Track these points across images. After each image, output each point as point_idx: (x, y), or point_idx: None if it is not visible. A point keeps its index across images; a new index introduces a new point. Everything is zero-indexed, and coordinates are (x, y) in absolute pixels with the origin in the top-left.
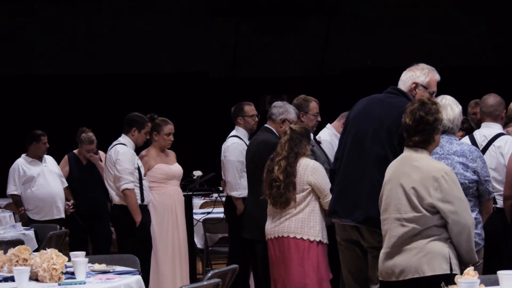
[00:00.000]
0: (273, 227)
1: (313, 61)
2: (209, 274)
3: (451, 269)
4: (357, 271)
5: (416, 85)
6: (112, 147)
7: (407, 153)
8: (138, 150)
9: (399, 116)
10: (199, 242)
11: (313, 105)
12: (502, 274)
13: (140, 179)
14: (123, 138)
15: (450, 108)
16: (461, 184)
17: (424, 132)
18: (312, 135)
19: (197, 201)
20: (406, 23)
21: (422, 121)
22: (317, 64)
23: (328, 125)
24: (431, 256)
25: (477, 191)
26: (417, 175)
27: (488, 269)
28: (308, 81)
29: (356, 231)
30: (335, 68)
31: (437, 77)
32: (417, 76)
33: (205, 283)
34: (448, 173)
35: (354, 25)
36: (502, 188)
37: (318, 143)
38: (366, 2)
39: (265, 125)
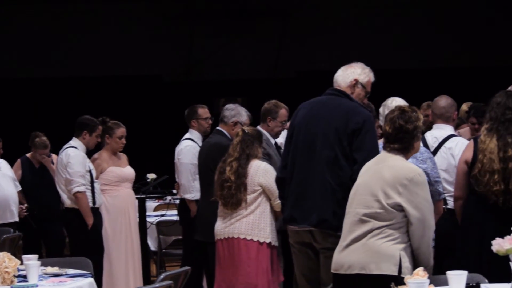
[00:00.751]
0: (223, 228)
1: (266, 63)
2: (162, 276)
3: (400, 272)
4: (310, 272)
5: (356, 82)
6: (63, 150)
7: (383, 154)
8: (90, 153)
9: (346, 116)
10: (152, 245)
11: (283, 112)
12: (451, 274)
13: (92, 182)
14: (74, 141)
15: None
16: None
17: (403, 140)
18: (274, 140)
19: (151, 204)
20: (359, 26)
21: (402, 130)
22: (270, 67)
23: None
24: (381, 256)
25: None
26: (389, 174)
27: (439, 269)
28: (262, 84)
29: (308, 233)
30: (288, 70)
31: (373, 78)
32: (358, 73)
33: (157, 285)
34: (420, 174)
35: (307, 28)
36: (452, 189)
37: (279, 148)
38: (319, 5)
39: (217, 127)
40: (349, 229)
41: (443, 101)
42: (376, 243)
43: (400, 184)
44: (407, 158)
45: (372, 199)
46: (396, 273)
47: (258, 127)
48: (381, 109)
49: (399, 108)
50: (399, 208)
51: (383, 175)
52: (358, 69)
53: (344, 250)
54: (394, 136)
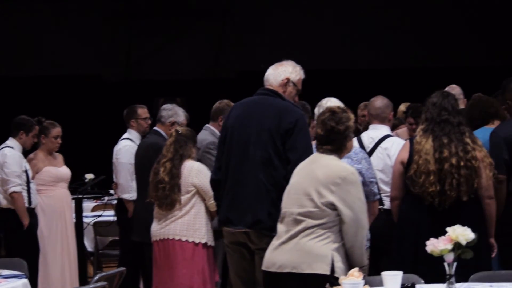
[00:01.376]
0: (159, 229)
1: (206, 63)
2: (96, 277)
3: (332, 272)
4: (245, 273)
5: (288, 80)
6: None
7: (316, 155)
8: (26, 153)
9: (278, 116)
10: (89, 245)
11: None
12: (386, 275)
13: (28, 182)
14: (11, 141)
15: None
16: None
17: (335, 141)
18: None
19: (88, 204)
20: (299, 26)
21: (333, 131)
22: (210, 67)
23: (207, 125)
24: (313, 256)
25: None
26: (322, 173)
27: (375, 270)
28: (202, 84)
29: (244, 234)
30: (228, 70)
31: (303, 76)
32: (290, 72)
33: (91, 286)
34: (353, 173)
35: (247, 28)
36: (389, 190)
37: None
38: (259, 5)
39: (154, 127)
40: (282, 229)
41: (379, 101)
42: (308, 243)
43: (333, 183)
44: (340, 158)
45: (305, 198)
46: (328, 272)
47: (209, 125)
48: (316, 110)
49: (330, 110)
50: (332, 207)
51: (316, 175)
52: (289, 68)
53: (276, 249)
54: (326, 137)
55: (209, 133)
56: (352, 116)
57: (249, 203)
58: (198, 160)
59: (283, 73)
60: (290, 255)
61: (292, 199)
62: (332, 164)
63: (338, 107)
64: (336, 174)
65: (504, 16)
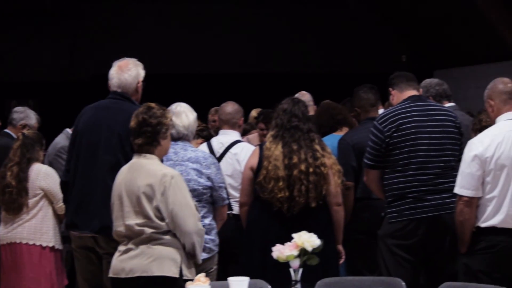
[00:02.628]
0: (6, 233)
1: (60, 66)
2: None
3: (181, 274)
4: (93, 277)
5: (139, 82)
6: None
7: (135, 160)
8: None
9: (128, 121)
10: None
11: None
12: (232, 280)
13: None
14: None
15: (185, 115)
16: (195, 190)
17: (146, 134)
18: None
19: None
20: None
21: (145, 123)
22: (64, 69)
23: (66, 129)
24: (160, 259)
25: (211, 197)
26: (144, 180)
27: (223, 275)
28: (55, 86)
29: (91, 238)
30: (82, 73)
31: None
32: (140, 74)
33: None
34: (174, 177)
35: (101, 31)
36: (238, 195)
37: None
38: (114, 9)
39: (5, 130)
40: (127, 237)
41: (230, 107)
42: (156, 247)
43: (157, 189)
44: (159, 158)
45: (138, 210)
46: (177, 275)
47: (67, 129)
48: None
49: (146, 105)
50: (161, 214)
51: (141, 183)
52: (139, 69)
53: (123, 255)
54: (138, 130)
55: (65, 137)
56: (169, 115)
57: (96, 208)
58: (50, 163)
59: (136, 78)
60: (139, 259)
61: (127, 212)
62: (153, 169)
63: (157, 104)
64: (159, 179)
65: (349, 25)
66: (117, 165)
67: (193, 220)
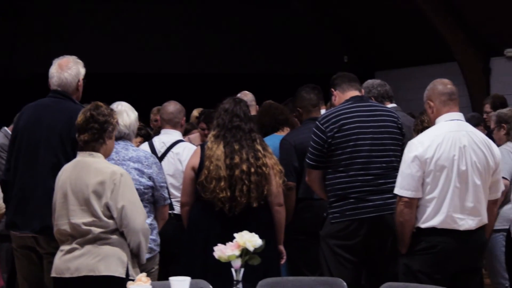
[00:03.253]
0: None
1: None
2: None
3: (127, 274)
4: (33, 277)
5: (79, 81)
6: None
7: (80, 158)
8: None
9: (69, 120)
10: None
11: None
12: (173, 280)
13: None
14: None
15: (126, 114)
16: (137, 190)
17: (93, 130)
18: None
19: None
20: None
21: (92, 119)
22: (3, 68)
23: (4, 128)
24: (108, 258)
25: (152, 197)
26: (94, 178)
27: (164, 275)
28: None
29: (32, 238)
30: (21, 72)
31: None
32: (81, 72)
33: None
34: (123, 175)
35: (41, 29)
36: (179, 195)
37: None
38: (55, 7)
39: None
40: (72, 236)
41: (172, 106)
42: (103, 247)
43: (106, 187)
44: (104, 157)
45: (85, 208)
46: (124, 275)
47: (6, 128)
48: None
49: (94, 103)
50: (110, 213)
51: (88, 182)
52: (79, 67)
53: (67, 255)
54: (85, 127)
55: (3, 136)
56: (115, 117)
57: (36, 208)
58: None
59: (76, 77)
60: (85, 259)
61: (72, 211)
62: (100, 167)
63: (105, 104)
64: (107, 177)
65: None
66: (58, 165)
67: (142, 218)
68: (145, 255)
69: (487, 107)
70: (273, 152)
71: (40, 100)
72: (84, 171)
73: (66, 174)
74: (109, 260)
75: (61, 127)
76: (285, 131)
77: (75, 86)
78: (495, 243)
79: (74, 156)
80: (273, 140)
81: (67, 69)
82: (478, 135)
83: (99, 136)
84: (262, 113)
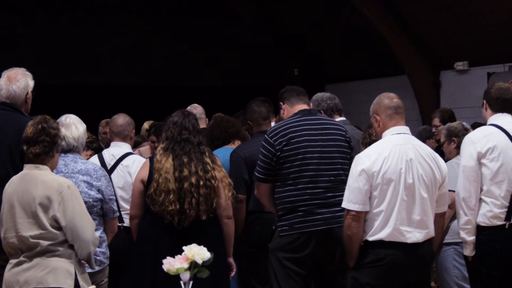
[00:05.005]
0: None
1: None
2: None
3: (77, 286)
4: None
5: (28, 93)
6: None
7: (28, 171)
8: None
9: (18, 132)
10: None
11: None
12: None
13: None
14: None
15: (74, 126)
16: (86, 202)
17: (44, 143)
18: None
19: None
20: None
21: (44, 132)
22: None
23: None
24: (56, 271)
25: (101, 209)
26: (40, 190)
27: (114, 287)
28: None
29: None
30: None
31: None
32: (29, 84)
33: None
34: (70, 187)
35: None
36: (129, 207)
37: None
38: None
39: None
40: (19, 249)
41: (121, 119)
42: (52, 259)
43: (54, 199)
44: (51, 170)
45: (32, 221)
46: (72, 287)
47: None
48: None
49: (42, 116)
50: (58, 225)
51: (35, 194)
52: (28, 79)
53: (15, 267)
54: (36, 139)
55: None
56: (62, 134)
57: None
58: None
59: (25, 89)
60: (34, 271)
61: (17, 224)
62: (48, 179)
63: (51, 118)
64: (55, 189)
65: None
66: (7, 177)
67: (91, 229)
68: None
69: (436, 121)
70: (224, 165)
71: None
72: (31, 184)
73: (13, 187)
74: (58, 272)
75: (10, 139)
76: (236, 143)
77: (24, 98)
78: (446, 256)
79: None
80: (224, 153)
81: (16, 82)
82: (424, 148)
83: (49, 149)
84: (213, 125)
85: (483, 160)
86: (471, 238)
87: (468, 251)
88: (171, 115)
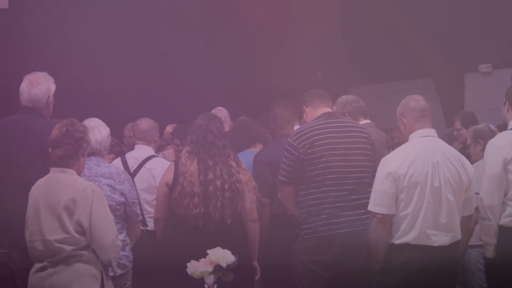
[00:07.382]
0: None
1: None
2: None
3: None
4: None
5: (49, 97)
6: None
7: (53, 174)
8: None
9: (40, 136)
10: None
11: None
12: None
13: None
14: None
15: (97, 130)
16: (109, 206)
17: (69, 146)
18: None
19: None
20: None
21: (68, 135)
22: None
23: None
24: (82, 277)
25: (125, 213)
26: (66, 194)
27: None
28: None
29: (4, 253)
30: None
31: None
32: (51, 88)
33: None
34: (95, 191)
35: None
36: (153, 210)
37: None
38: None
39: None
40: (44, 253)
41: (145, 123)
42: (75, 266)
43: (78, 202)
44: (78, 174)
45: (57, 225)
46: None
47: None
48: None
49: (69, 120)
50: (81, 229)
51: (61, 197)
52: (51, 84)
53: (40, 272)
54: (61, 141)
55: None
56: (88, 138)
57: (9, 224)
58: None
59: (46, 93)
60: (59, 277)
61: (47, 228)
62: (73, 183)
63: (79, 122)
64: (80, 194)
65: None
66: (29, 181)
67: (112, 235)
68: (117, 271)
69: (457, 124)
70: (246, 169)
71: (11, 117)
72: (56, 187)
73: (39, 190)
74: (83, 278)
75: (32, 143)
76: (258, 147)
77: (45, 102)
78: (471, 259)
79: (46, 172)
80: (246, 157)
81: (37, 85)
82: (451, 151)
83: (74, 152)
84: (235, 129)
85: (509, 167)
86: (493, 240)
87: (490, 253)
88: (196, 118)
